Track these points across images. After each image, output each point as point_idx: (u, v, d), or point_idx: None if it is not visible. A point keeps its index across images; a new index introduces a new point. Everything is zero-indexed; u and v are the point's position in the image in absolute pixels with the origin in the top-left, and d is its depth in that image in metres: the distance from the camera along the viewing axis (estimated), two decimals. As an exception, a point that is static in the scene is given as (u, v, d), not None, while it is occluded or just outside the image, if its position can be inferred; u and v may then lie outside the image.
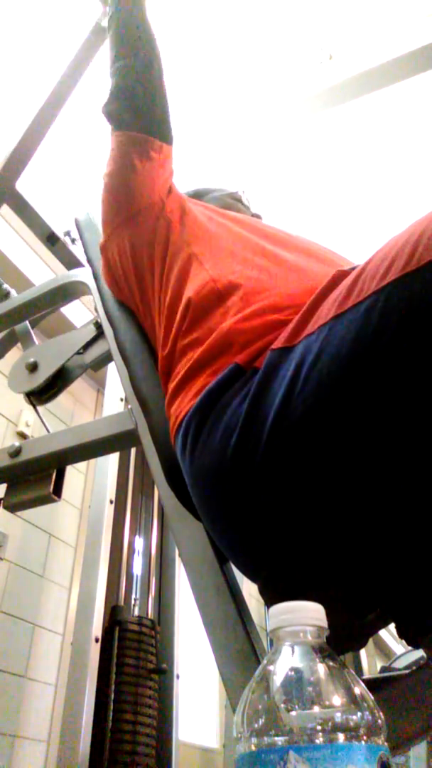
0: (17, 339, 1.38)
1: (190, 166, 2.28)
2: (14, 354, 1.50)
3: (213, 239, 0.83)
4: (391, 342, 0.47)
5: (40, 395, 1.18)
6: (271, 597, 0.58)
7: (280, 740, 0.31)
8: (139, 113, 0.95)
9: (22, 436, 2.13)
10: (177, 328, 0.75)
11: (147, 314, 0.89)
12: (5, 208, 1.35)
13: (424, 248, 0.46)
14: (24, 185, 1.33)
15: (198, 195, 1.15)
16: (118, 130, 0.95)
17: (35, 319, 1.45)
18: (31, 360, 1.19)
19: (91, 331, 1.18)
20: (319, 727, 0.30)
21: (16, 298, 1.37)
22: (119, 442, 1.03)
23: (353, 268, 0.57)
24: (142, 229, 0.89)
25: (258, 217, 1.13)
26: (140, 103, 0.95)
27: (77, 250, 1.42)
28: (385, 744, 0.32)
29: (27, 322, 1.39)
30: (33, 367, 1.19)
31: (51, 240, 1.43)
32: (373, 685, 0.45)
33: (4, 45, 2.07)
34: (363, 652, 3.03)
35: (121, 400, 1.82)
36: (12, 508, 1.11)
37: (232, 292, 0.71)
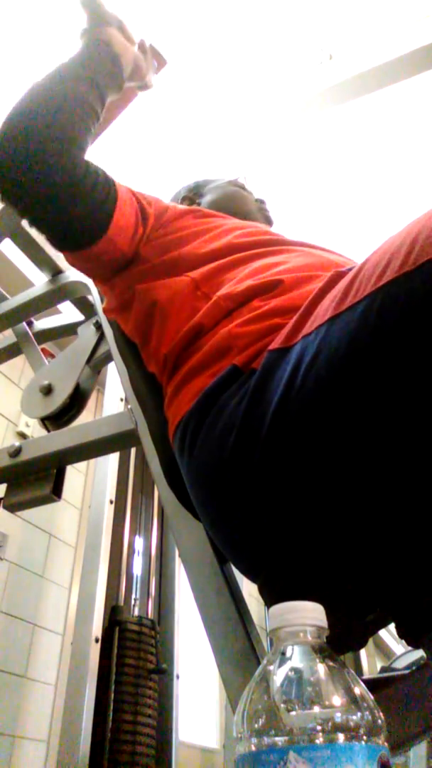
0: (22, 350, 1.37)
1: (189, 166, 2.28)
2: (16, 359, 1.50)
3: (211, 257, 0.81)
4: (388, 342, 0.47)
5: (56, 419, 1.12)
6: (271, 597, 0.58)
7: (280, 740, 0.31)
8: (72, 233, 0.78)
9: (22, 436, 2.13)
10: (182, 344, 0.75)
11: (135, 333, 0.88)
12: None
13: (421, 248, 0.46)
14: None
15: (198, 187, 1.15)
16: (61, 251, 0.83)
17: (51, 336, 1.43)
18: (45, 383, 1.13)
19: (93, 333, 1.17)
20: (319, 728, 0.30)
21: (16, 298, 1.37)
22: (119, 442, 1.03)
23: (350, 269, 0.57)
24: (127, 276, 0.86)
25: (262, 201, 1.12)
26: (68, 217, 0.76)
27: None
28: (385, 744, 0.32)
29: (25, 323, 1.39)
30: (47, 390, 1.12)
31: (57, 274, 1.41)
32: (373, 685, 0.46)
33: (14, 79, 2.07)
34: (363, 652, 3.03)
35: (121, 400, 1.82)
36: (12, 508, 1.11)
37: (242, 305, 0.71)
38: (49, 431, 1.14)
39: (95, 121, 0.81)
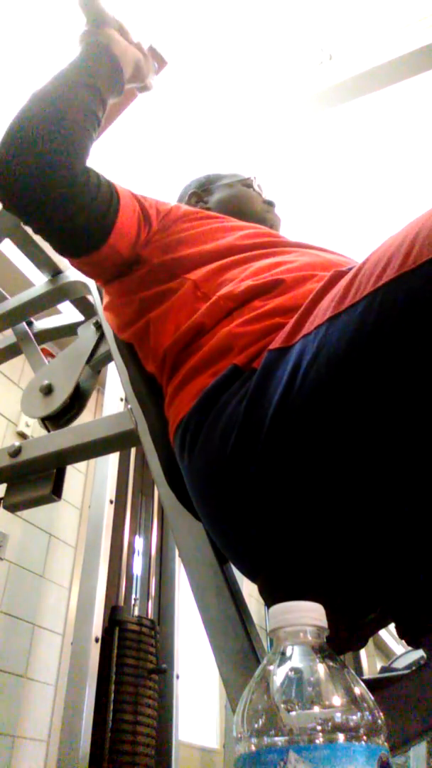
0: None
1: (190, 165, 2.28)
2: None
3: (211, 258, 0.81)
4: (388, 342, 0.47)
5: (57, 419, 1.12)
6: (270, 597, 0.58)
7: (280, 740, 0.31)
8: (74, 241, 0.79)
9: (22, 436, 2.13)
10: (182, 343, 0.75)
11: (136, 335, 0.88)
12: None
13: (421, 248, 0.46)
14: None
15: (209, 181, 1.14)
16: (64, 256, 0.84)
17: (51, 336, 1.43)
18: (45, 382, 1.13)
19: (93, 333, 1.17)
20: (319, 727, 0.30)
21: (16, 297, 1.37)
22: (119, 442, 1.03)
23: (350, 268, 0.57)
24: (129, 279, 0.86)
25: (271, 203, 1.11)
26: (70, 226, 0.76)
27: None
28: (385, 744, 0.32)
29: (25, 323, 1.39)
30: (48, 390, 1.12)
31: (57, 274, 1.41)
32: (373, 685, 0.45)
33: (13, 77, 2.07)
34: (363, 652, 3.03)
35: (121, 400, 1.82)
36: (12, 508, 1.11)
37: (243, 305, 0.71)
38: (49, 431, 1.13)
39: (96, 127, 0.81)
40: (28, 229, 1.27)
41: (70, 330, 1.38)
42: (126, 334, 0.88)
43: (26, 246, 1.32)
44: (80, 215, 0.76)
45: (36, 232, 0.80)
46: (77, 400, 1.12)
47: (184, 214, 0.90)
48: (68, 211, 0.75)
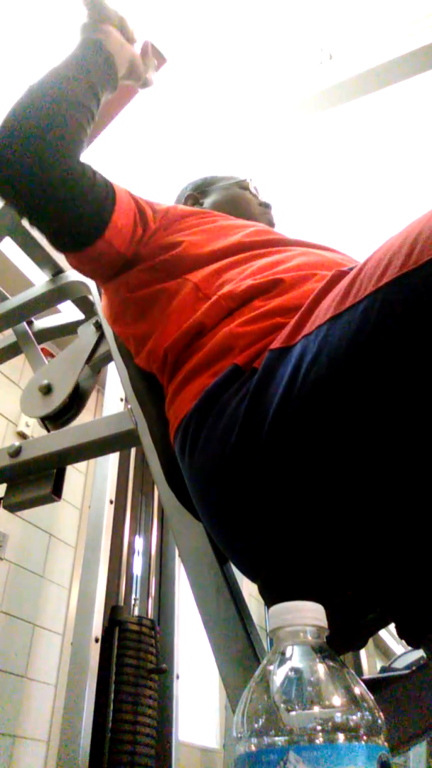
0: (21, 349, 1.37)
1: (190, 165, 2.28)
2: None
3: (211, 258, 0.81)
4: (389, 342, 0.47)
5: (56, 419, 1.11)
6: (271, 597, 0.58)
7: (280, 740, 0.31)
8: (69, 233, 0.79)
9: (22, 436, 2.13)
10: (183, 342, 0.75)
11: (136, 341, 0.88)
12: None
13: (422, 248, 0.47)
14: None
15: (206, 184, 1.15)
16: (60, 251, 0.85)
17: (51, 335, 1.42)
18: (44, 382, 1.12)
19: (93, 333, 1.17)
20: (319, 727, 0.30)
21: (16, 298, 1.37)
22: (119, 442, 1.02)
23: (351, 268, 0.57)
24: (126, 277, 0.86)
25: (267, 206, 1.12)
26: (66, 217, 0.77)
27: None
28: (385, 744, 0.32)
29: (25, 323, 1.39)
30: (47, 390, 1.12)
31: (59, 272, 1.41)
32: (373, 685, 0.46)
33: (8, 67, 2.06)
34: (363, 652, 3.03)
35: (121, 400, 1.82)
36: (12, 508, 1.11)
37: (243, 305, 0.71)
38: (48, 431, 1.13)
39: (90, 121, 0.82)
40: (29, 228, 1.28)
41: (70, 329, 1.38)
42: (124, 335, 0.88)
43: (26, 244, 1.32)
44: (75, 207, 0.76)
45: (31, 223, 0.79)
46: (76, 400, 1.12)
47: (183, 213, 0.90)
48: (63, 201, 0.75)
